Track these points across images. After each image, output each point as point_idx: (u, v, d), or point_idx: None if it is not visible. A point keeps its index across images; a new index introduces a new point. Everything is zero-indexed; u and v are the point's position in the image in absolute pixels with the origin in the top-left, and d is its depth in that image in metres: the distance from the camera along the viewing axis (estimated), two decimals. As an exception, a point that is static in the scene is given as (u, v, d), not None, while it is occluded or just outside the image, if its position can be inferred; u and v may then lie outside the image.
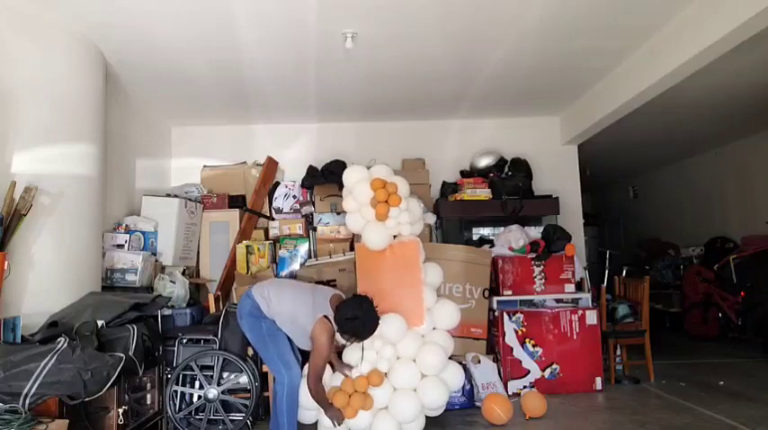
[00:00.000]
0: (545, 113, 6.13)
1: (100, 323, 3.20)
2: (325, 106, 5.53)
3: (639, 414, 3.90)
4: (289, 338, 3.41)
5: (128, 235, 4.37)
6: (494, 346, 4.67)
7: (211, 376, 3.65)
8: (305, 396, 3.39)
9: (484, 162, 5.73)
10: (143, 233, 4.54)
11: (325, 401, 3.32)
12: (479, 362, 4.31)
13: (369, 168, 3.93)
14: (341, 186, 3.94)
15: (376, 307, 3.27)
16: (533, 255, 4.77)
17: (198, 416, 3.65)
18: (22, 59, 3.44)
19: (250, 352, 3.79)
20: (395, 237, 3.84)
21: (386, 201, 3.64)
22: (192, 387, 3.73)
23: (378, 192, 3.64)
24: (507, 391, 4.38)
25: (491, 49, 4.28)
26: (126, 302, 3.44)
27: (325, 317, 3.22)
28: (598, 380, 4.54)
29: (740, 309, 6.47)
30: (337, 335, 3.31)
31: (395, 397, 3.42)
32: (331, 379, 3.50)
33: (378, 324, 3.30)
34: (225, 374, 3.69)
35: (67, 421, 2.57)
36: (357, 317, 3.18)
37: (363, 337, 3.28)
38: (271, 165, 5.74)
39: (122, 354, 3.02)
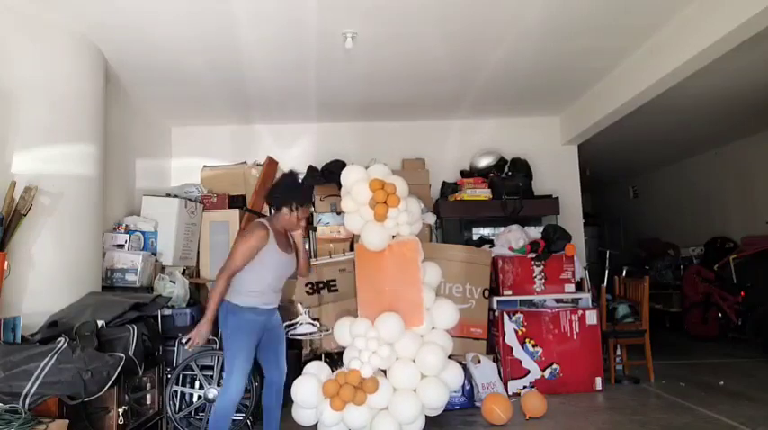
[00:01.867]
0: (545, 113, 6.13)
1: (100, 323, 3.19)
2: (326, 106, 5.52)
3: (639, 414, 3.90)
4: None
5: (128, 235, 4.37)
6: (494, 346, 4.67)
7: (211, 376, 3.65)
8: (303, 394, 3.39)
9: (484, 162, 5.73)
10: (143, 233, 4.53)
11: (215, 302, 2.97)
12: (479, 362, 4.31)
13: (367, 168, 3.93)
14: (341, 186, 3.94)
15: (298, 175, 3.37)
16: (533, 255, 4.77)
17: (198, 416, 3.65)
18: (22, 59, 3.43)
19: (250, 352, 3.79)
20: (393, 237, 3.83)
21: (385, 202, 3.64)
22: (192, 387, 3.73)
23: (376, 192, 3.63)
24: (507, 391, 4.38)
25: (491, 49, 4.27)
26: (126, 302, 3.44)
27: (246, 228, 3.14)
28: (598, 380, 4.54)
29: (740, 309, 6.47)
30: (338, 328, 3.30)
31: (395, 397, 3.42)
32: (319, 372, 3.51)
33: (307, 190, 3.32)
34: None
35: (67, 421, 2.57)
36: (277, 184, 3.28)
37: (301, 199, 3.13)
38: (271, 165, 5.74)
39: (122, 354, 3.02)
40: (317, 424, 3.51)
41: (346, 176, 3.86)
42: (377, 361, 3.43)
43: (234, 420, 3.60)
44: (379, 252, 3.70)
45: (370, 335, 3.46)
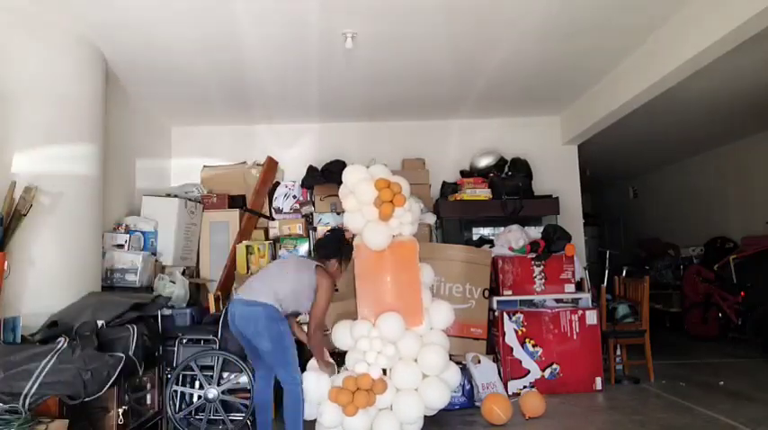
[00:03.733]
0: (545, 113, 6.13)
1: (100, 323, 3.20)
2: (326, 106, 5.52)
3: (639, 414, 3.90)
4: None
5: (128, 235, 4.37)
6: (494, 346, 4.67)
7: (211, 376, 3.65)
8: (305, 388, 3.39)
9: (484, 162, 5.73)
10: (143, 233, 4.54)
11: (322, 348, 3.44)
12: (479, 362, 4.31)
13: (367, 168, 3.93)
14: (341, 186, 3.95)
15: (346, 230, 3.76)
16: (533, 255, 4.77)
17: (198, 416, 3.65)
18: (23, 60, 3.44)
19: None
20: (394, 237, 3.83)
21: (390, 201, 3.64)
22: (192, 387, 3.73)
23: (383, 191, 3.63)
24: (507, 391, 4.38)
25: (491, 50, 4.27)
26: (126, 302, 3.44)
27: (317, 266, 3.39)
28: (598, 380, 4.54)
29: (740, 309, 6.47)
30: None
31: (398, 397, 3.42)
32: (334, 378, 3.50)
33: (350, 245, 3.60)
34: (225, 374, 3.69)
35: (67, 421, 2.57)
36: (326, 237, 3.61)
37: (345, 254, 3.53)
38: (271, 165, 5.74)
39: (122, 354, 3.02)
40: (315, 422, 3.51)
41: (349, 176, 3.86)
42: (383, 361, 3.43)
43: (233, 420, 3.61)
44: (379, 252, 3.70)
45: (373, 335, 3.46)
